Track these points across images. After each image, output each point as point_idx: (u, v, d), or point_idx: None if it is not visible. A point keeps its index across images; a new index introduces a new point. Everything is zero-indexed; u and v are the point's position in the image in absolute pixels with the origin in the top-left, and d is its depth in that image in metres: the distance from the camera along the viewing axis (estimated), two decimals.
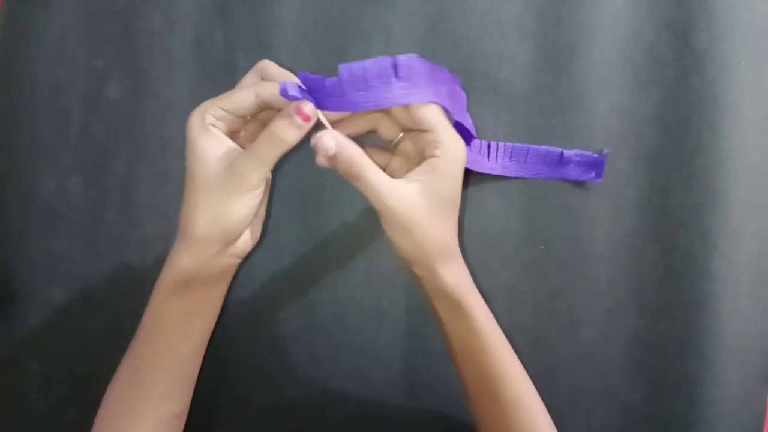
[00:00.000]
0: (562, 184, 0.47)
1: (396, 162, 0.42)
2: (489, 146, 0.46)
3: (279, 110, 0.38)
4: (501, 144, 0.46)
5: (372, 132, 0.42)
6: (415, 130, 0.40)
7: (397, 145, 0.42)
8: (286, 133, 0.37)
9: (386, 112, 0.41)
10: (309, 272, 0.48)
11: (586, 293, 0.47)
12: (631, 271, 0.47)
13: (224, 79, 0.48)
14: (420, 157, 0.40)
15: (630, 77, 0.46)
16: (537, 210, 0.47)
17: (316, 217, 0.48)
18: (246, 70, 0.47)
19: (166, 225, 0.48)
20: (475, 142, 0.46)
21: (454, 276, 0.40)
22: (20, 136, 0.49)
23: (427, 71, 0.38)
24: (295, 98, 0.36)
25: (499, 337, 0.41)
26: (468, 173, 0.46)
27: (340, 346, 0.48)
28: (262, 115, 0.41)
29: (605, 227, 0.47)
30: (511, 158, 0.46)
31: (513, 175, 0.46)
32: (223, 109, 0.39)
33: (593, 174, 0.46)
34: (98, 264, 0.48)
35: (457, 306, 0.40)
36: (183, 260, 0.39)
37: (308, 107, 0.37)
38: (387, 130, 0.42)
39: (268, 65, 0.40)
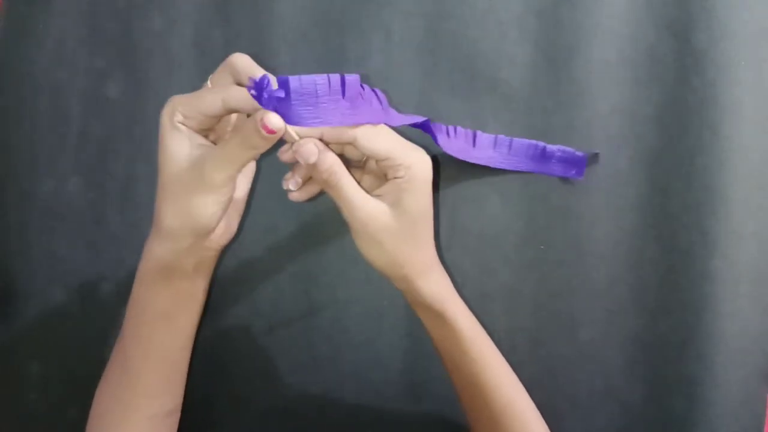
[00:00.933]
0: (561, 183, 0.47)
1: (366, 180, 0.42)
2: (474, 135, 0.46)
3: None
4: (485, 135, 0.46)
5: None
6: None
7: (363, 164, 0.42)
8: (254, 141, 0.37)
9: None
10: (309, 272, 0.48)
11: (586, 293, 0.47)
12: (631, 271, 0.47)
13: None
14: (382, 178, 0.41)
15: (630, 77, 0.46)
16: (537, 210, 0.47)
17: (315, 217, 0.48)
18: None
19: None
20: (461, 131, 0.45)
21: (433, 287, 0.41)
22: (20, 136, 0.49)
23: (359, 92, 0.37)
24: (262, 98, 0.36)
25: (484, 344, 0.42)
26: (464, 168, 0.46)
27: (340, 346, 0.48)
28: (233, 114, 0.41)
29: (605, 227, 0.47)
30: (494, 149, 0.46)
31: (497, 167, 0.46)
32: (194, 107, 0.38)
33: (574, 171, 0.46)
34: (98, 264, 0.48)
35: (439, 316, 0.41)
36: (157, 250, 0.39)
37: (274, 120, 0.36)
38: (350, 152, 0.42)
39: (236, 61, 0.39)
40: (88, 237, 0.48)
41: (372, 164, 0.42)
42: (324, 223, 0.48)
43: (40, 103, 0.48)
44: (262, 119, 0.36)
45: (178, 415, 0.43)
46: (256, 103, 0.37)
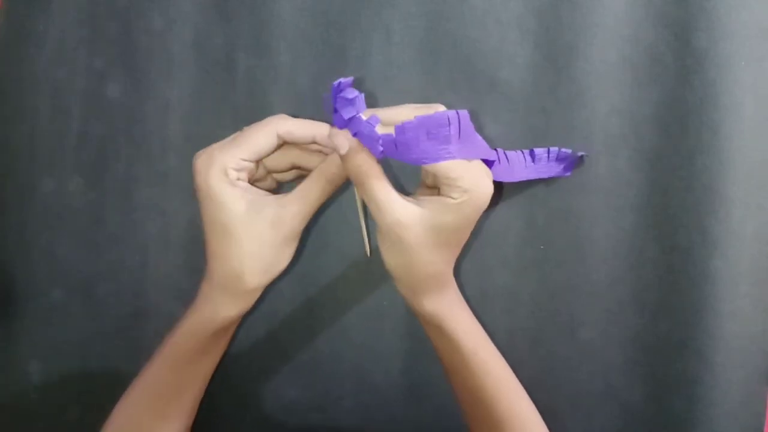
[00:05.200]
0: (561, 183, 0.47)
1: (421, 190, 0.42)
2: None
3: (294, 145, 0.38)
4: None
5: None
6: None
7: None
8: (340, 177, 0.37)
9: None
10: (309, 272, 0.48)
11: (586, 293, 0.47)
12: (631, 271, 0.47)
13: (224, 79, 0.48)
14: (435, 188, 0.39)
15: (630, 77, 0.46)
16: (537, 210, 0.47)
17: (315, 216, 0.48)
18: (246, 70, 0.48)
19: (166, 225, 0.48)
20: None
21: (434, 303, 0.39)
22: (20, 136, 0.49)
23: (468, 125, 0.36)
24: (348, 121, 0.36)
25: (487, 355, 0.41)
26: None
27: (340, 346, 0.48)
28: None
29: (605, 227, 0.47)
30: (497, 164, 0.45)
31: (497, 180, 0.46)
32: (244, 159, 0.37)
33: (562, 168, 0.46)
34: (98, 264, 0.48)
35: (438, 329, 0.40)
36: (229, 310, 0.39)
37: (341, 139, 0.36)
38: None
39: (281, 123, 0.38)
40: (88, 237, 0.48)
41: (427, 173, 0.40)
42: (324, 223, 0.48)
43: (40, 103, 0.48)
44: (351, 148, 0.36)
45: (191, 428, 0.44)
46: (310, 128, 0.37)
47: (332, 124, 0.37)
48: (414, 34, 0.47)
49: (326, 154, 0.39)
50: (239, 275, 0.38)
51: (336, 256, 0.48)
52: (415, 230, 0.36)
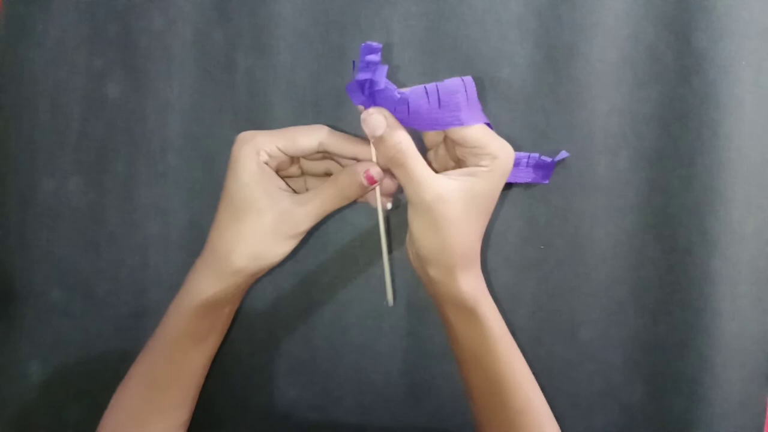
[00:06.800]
0: (561, 183, 0.47)
1: (435, 162, 0.42)
2: None
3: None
4: None
5: None
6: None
7: (429, 149, 0.42)
8: (352, 191, 0.38)
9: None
10: (309, 272, 0.48)
11: (586, 293, 0.47)
12: (631, 271, 0.47)
13: (224, 79, 0.48)
14: (455, 162, 0.40)
15: (630, 77, 0.46)
16: (537, 210, 0.47)
17: None
18: (246, 70, 0.48)
19: (166, 225, 0.48)
20: None
21: (471, 283, 0.39)
22: (20, 136, 0.49)
23: (473, 91, 0.38)
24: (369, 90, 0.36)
25: (510, 344, 0.41)
26: None
27: (340, 346, 0.48)
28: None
29: (605, 227, 0.47)
30: None
31: None
32: (280, 149, 0.39)
33: (541, 175, 0.46)
34: (98, 264, 0.48)
35: (471, 313, 0.40)
36: (211, 287, 0.39)
37: (375, 170, 0.38)
38: (430, 139, 0.42)
39: (326, 133, 0.40)
40: (88, 237, 0.48)
41: (440, 150, 0.41)
42: (325, 223, 0.48)
43: (40, 103, 0.48)
44: (367, 171, 0.37)
45: (188, 425, 0.43)
46: (353, 147, 0.38)
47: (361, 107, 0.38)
48: (414, 34, 0.47)
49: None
50: (228, 252, 0.38)
51: (336, 256, 0.48)
52: (454, 204, 0.37)
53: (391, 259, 0.44)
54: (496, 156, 0.37)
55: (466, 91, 0.37)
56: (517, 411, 0.40)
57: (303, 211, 0.38)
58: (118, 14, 0.48)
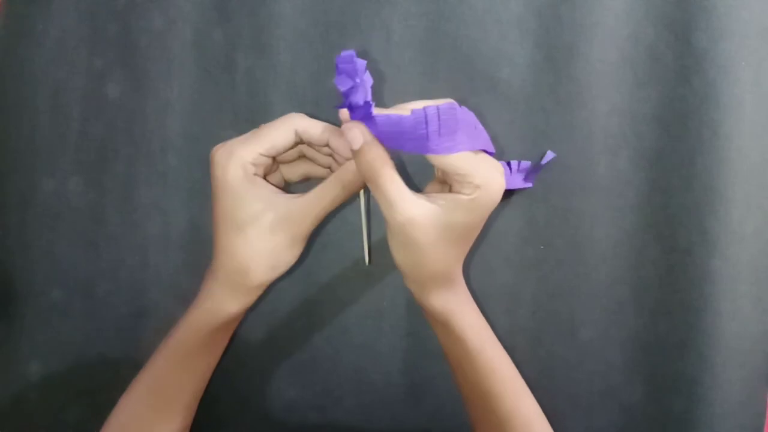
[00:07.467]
0: (561, 183, 0.47)
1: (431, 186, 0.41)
2: None
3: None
4: None
5: None
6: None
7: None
8: (355, 184, 0.37)
9: None
10: (309, 272, 0.48)
11: (586, 293, 0.47)
12: (631, 271, 0.47)
13: (224, 79, 0.48)
14: (446, 184, 0.39)
15: (630, 77, 0.46)
16: (537, 210, 0.47)
17: None
18: (246, 70, 0.48)
19: (166, 225, 0.48)
20: None
21: (442, 299, 0.39)
22: (20, 136, 0.49)
23: (468, 119, 0.36)
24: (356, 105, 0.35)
25: (493, 353, 0.41)
26: None
27: (340, 346, 0.48)
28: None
29: (605, 227, 0.47)
30: None
31: None
32: (262, 154, 0.38)
33: (522, 179, 0.46)
34: (98, 264, 0.48)
35: (445, 326, 0.40)
36: (232, 306, 0.39)
37: (359, 129, 0.36)
38: None
39: (299, 121, 0.38)
40: (88, 237, 0.48)
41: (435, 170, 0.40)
42: (325, 223, 0.48)
43: (40, 103, 0.48)
44: (350, 132, 0.35)
45: (190, 427, 0.44)
46: (326, 130, 0.37)
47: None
48: (414, 34, 0.47)
49: (337, 161, 0.40)
50: (245, 271, 0.38)
51: (336, 256, 0.48)
52: (426, 229, 0.35)
53: (369, 219, 0.43)
54: (479, 186, 0.35)
55: (438, 119, 0.34)
56: (503, 418, 0.40)
57: (307, 212, 0.38)
58: (118, 14, 0.48)
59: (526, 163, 0.45)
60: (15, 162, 0.49)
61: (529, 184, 0.46)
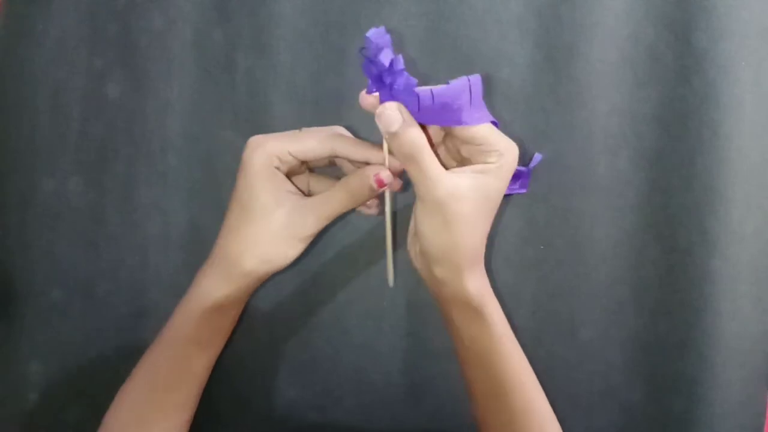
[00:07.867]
0: (561, 183, 0.47)
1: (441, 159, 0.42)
2: None
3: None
4: None
5: None
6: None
7: (438, 144, 0.42)
8: (362, 194, 0.38)
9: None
10: (309, 272, 0.48)
11: (586, 293, 0.47)
12: (631, 271, 0.47)
13: (224, 79, 0.48)
14: (457, 162, 0.40)
15: (630, 77, 0.46)
16: (537, 210, 0.47)
17: None
18: (246, 70, 0.48)
19: (166, 225, 0.48)
20: None
21: (477, 283, 0.39)
22: (20, 136, 0.49)
23: (478, 91, 0.37)
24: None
25: (514, 343, 0.41)
26: None
27: (340, 346, 0.48)
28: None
29: (605, 227, 0.47)
30: None
31: None
32: (291, 154, 0.39)
33: (518, 185, 0.46)
34: (98, 264, 0.48)
35: (477, 313, 0.39)
36: (220, 290, 0.39)
37: (385, 173, 0.38)
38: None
39: (339, 142, 0.40)
40: (88, 237, 0.48)
41: (443, 148, 0.41)
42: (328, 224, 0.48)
43: (40, 103, 0.48)
44: (377, 174, 0.37)
45: (189, 425, 0.43)
46: (365, 152, 0.38)
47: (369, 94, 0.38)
48: (414, 34, 0.47)
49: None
50: (239, 255, 0.39)
51: (336, 257, 0.48)
52: (468, 201, 0.37)
53: (395, 240, 0.44)
54: (502, 153, 0.37)
55: (470, 91, 0.36)
56: (519, 411, 0.40)
57: (312, 215, 0.38)
58: (118, 14, 0.48)
59: (521, 168, 0.45)
60: (15, 162, 0.49)
61: (524, 190, 0.46)
